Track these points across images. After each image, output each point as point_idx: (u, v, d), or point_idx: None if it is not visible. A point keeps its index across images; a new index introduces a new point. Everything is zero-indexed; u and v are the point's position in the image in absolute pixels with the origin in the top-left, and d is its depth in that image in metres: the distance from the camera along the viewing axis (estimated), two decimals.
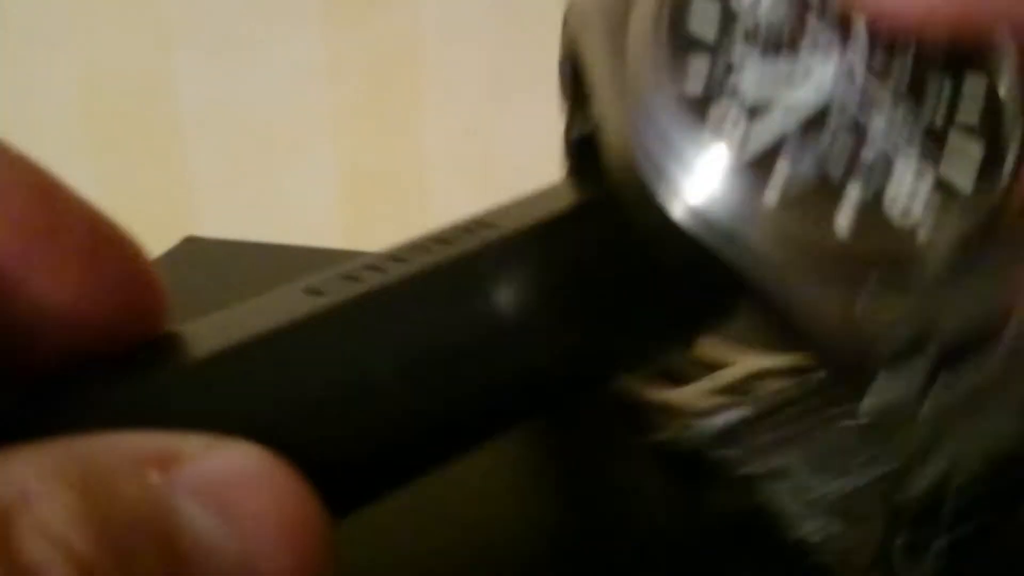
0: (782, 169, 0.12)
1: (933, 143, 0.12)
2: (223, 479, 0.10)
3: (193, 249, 0.27)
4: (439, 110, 0.49)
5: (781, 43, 0.12)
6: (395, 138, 0.49)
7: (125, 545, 0.09)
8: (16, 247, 0.12)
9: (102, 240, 0.13)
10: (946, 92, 0.12)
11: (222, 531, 0.10)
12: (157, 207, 0.49)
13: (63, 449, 0.10)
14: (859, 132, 0.12)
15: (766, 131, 0.12)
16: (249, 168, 0.49)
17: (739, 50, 0.12)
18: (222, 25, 0.47)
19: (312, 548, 0.10)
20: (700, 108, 0.12)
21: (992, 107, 0.13)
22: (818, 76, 0.12)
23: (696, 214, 0.11)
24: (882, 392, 0.12)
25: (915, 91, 0.12)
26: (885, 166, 0.12)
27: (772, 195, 0.11)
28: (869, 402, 0.12)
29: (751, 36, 0.12)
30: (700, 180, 0.11)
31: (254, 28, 0.47)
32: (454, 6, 0.47)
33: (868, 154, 0.12)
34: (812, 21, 0.12)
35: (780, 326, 0.12)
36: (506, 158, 0.49)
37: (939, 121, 0.12)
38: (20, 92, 0.48)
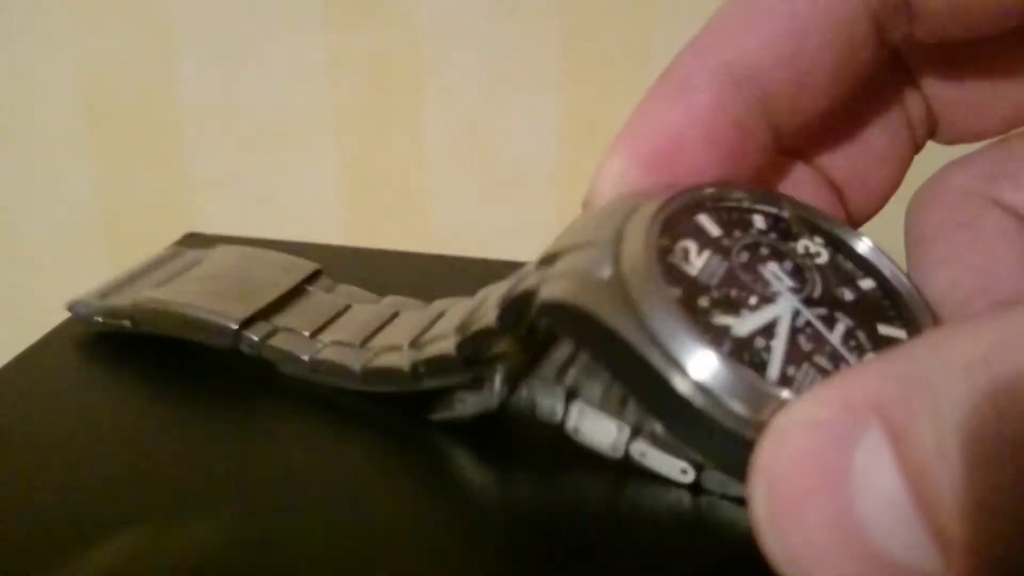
0: (775, 350, 0.14)
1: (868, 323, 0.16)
2: None
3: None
4: (439, 109, 0.49)
5: (736, 299, 0.15)
6: (395, 136, 0.50)
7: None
8: None
9: None
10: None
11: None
12: (158, 204, 0.50)
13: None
14: (817, 334, 0.15)
15: (750, 322, 0.15)
16: (250, 165, 0.50)
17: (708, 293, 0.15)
18: (222, 24, 0.47)
19: None
20: (688, 304, 0.14)
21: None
22: (769, 308, 0.15)
23: (701, 388, 0.13)
24: None
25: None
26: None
27: (772, 372, 0.14)
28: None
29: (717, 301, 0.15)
30: (703, 360, 0.13)
31: (254, 27, 0.47)
32: (454, 6, 0.47)
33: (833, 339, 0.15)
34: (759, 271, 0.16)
35: None
36: (506, 157, 0.49)
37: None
38: (21, 91, 0.48)
